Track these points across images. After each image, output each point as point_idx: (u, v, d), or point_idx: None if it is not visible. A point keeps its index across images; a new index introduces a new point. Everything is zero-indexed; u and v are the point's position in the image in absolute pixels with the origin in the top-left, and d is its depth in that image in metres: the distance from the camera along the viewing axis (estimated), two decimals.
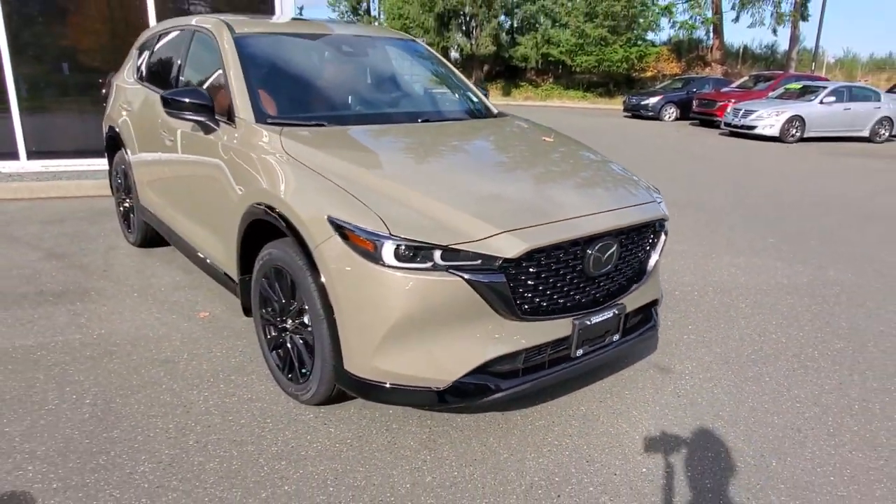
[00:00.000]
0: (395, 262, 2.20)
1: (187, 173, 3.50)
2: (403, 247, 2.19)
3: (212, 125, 3.14)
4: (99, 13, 7.41)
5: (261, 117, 2.99)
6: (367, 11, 44.57)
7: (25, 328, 3.44)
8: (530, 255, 2.27)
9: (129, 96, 4.46)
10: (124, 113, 4.46)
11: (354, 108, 3.47)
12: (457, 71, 4.09)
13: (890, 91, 18.34)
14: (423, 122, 3.34)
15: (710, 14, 30.94)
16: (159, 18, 7.24)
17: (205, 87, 3.59)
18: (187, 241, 3.65)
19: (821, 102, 15.82)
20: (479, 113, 3.72)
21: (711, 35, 32.45)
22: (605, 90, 30.69)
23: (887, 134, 16.39)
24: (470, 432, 2.62)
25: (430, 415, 2.72)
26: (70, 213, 5.81)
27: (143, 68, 4.42)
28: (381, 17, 41.52)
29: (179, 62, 3.85)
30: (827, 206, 7.50)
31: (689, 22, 30.86)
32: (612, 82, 30.76)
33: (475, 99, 3.92)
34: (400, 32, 4.25)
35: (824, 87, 16.36)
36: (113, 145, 4.81)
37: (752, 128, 15.73)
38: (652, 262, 2.82)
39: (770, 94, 18.03)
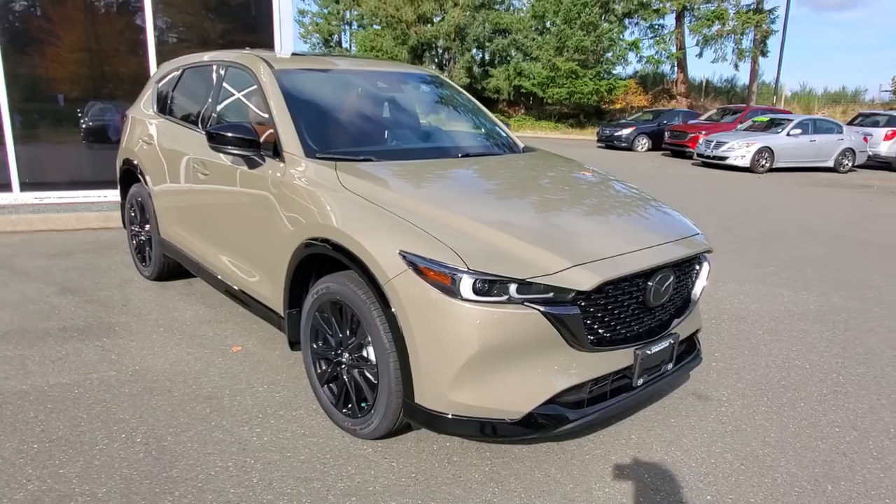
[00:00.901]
0: (472, 296, 2.24)
1: (225, 207, 3.50)
2: (481, 281, 2.24)
3: (258, 160, 3.16)
4: (95, 46, 7.36)
5: (310, 152, 3.02)
6: (339, 44, 45.05)
7: (56, 366, 3.35)
8: (600, 288, 2.34)
9: (149, 129, 4.44)
10: (144, 146, 4.43)
11: (397, 143, 3.53)
12: (482, 106, 4.19)
13: (850, 123, 19.20)
14: (463, 156, 3.42)
15: (674, 49, 32.15)
16: (158, 53, 7.24)
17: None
18: (222, 276, 3.62)
19: (788, 134, 16.52)
20: (511, 147, 3.82)
21: (676, 69, 33.67)
22: (576, 121, 31.45)
23: (850, 164, 17.15)
24: (531, 463, 2.64)
25: (489, 447, 2.74)
26: (75, 246, 5.69)
27: (167, 102, 4.42)
28: (353, 49, 42.01)
29: (210, 97, 3.86)
30: (810, 234, 7.80)
31: (655, 57, 32.02)
32: (583, 113, 31.57)
33: (503, 133, 4.02)
34: (426, 69, 4.35)
35: (790, 120, 17.09)
36: (128, 178, 4.76)
37: (725, 158, 16.30)
38: (697, 291, 2.91)
39: (738, 126, 18.74)
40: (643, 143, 21.60)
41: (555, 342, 2.33)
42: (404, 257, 2.34)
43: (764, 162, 16.11)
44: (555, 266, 2.30)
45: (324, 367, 2.90)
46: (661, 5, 31.09)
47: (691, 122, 21.18)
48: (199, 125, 3.87)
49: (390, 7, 33.13)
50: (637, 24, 32.55)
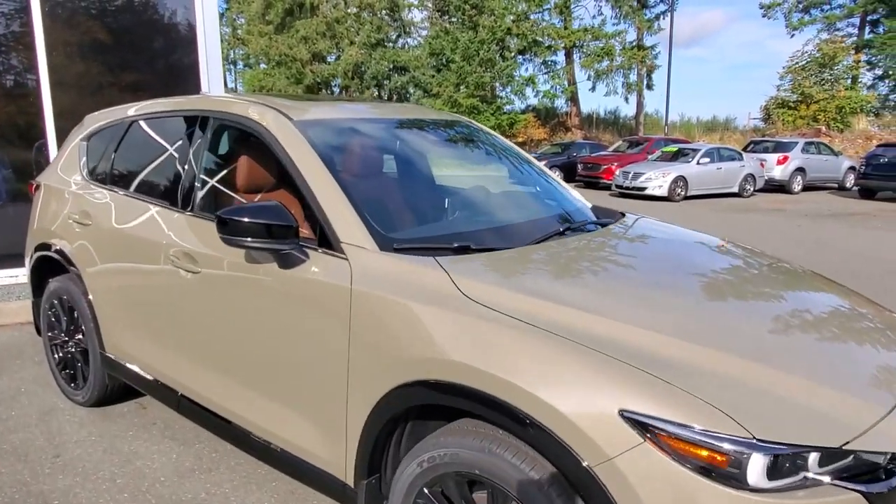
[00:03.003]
0: (764, 483, 1.40)
1: (234, 322, 2.41)
2: (777, 456, 1.40)
3: (298, 255, 2.15)
4: None
5: (384, 242, 2.06)
6: (224, 84, 42.95)
7: None
8: None
9: (82, 204, 3.22)
10: (76, 226, 3.20)
11: (484, 218, 2.60)
12: (534, 159, 3.38)
13: (744, 150, 20.31)
14: (564, 230, 2.53)
15: (567, 84, 33.28)
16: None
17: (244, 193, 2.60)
18: (233, 419, 2.50)
19: (698, 163, 17.13)
20: (601, 214, 2.97)
21: (570, 103, 34.86)
22: None
23: (752, 189, 18.04)
24: None
25: None
26: None
27: (109, 166, 3.24)
28: (240, 88, 40.10)
29: (185, 161, 2.76)
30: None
31: (551, 91, 32.98)
32: None
33: (573, 194, 3.21)
34: (456, 115, 3.47)
35: (697, 150, 17.79)
36: (47, 268, 3.48)
37: (643, 189, 16.54)
38: None
39: (648, 156, 19.25)
40: (557, 175, 21.70)
41: None
42: (634, 421, 1.46)
43: (679, 190, 16.54)
44: (865, 418, 1.51)
45: None
46: (552, 42, 32.16)
47: (600, 153, 21.58)
48: (174, 200, 2.75)
49: (282, 46, 31.91)
50: (531, 60, 33.45)
